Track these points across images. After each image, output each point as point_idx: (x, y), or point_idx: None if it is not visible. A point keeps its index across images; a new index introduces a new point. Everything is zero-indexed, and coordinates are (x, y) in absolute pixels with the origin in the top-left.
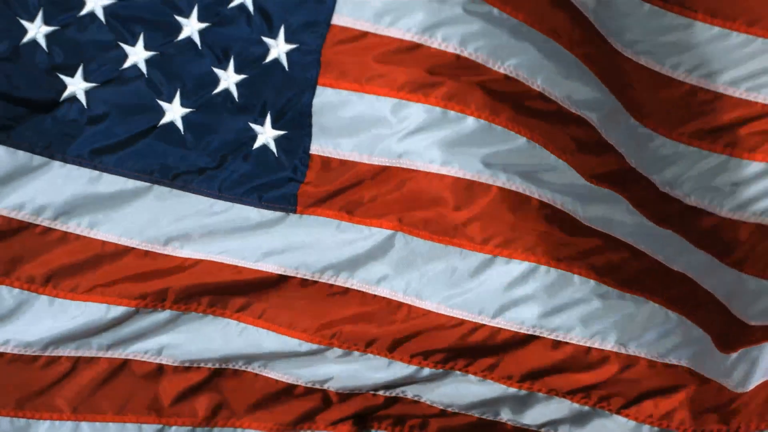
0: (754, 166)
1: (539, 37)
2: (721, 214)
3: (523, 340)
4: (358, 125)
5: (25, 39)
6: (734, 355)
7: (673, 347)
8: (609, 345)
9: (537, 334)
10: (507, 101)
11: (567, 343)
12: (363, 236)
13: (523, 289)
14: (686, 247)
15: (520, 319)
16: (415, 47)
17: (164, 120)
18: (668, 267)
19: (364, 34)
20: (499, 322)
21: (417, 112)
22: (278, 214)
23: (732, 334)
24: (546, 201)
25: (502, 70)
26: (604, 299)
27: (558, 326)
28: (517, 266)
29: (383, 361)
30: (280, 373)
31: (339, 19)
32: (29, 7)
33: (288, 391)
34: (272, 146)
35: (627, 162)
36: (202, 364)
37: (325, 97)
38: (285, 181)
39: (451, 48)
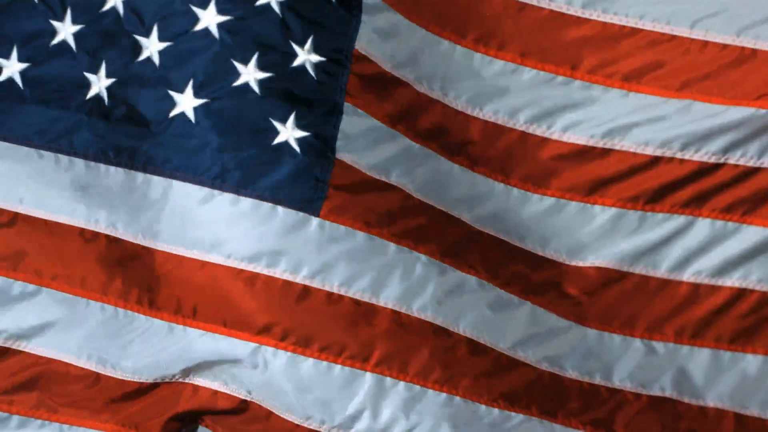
0: None
1: None
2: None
3: None
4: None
5: (56, 39)
6: None
7: None
8: None
9: None
10: None
11: None
12: None
13: None
14: None
15: None
16: None
17: (176, 111)
18: None
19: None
20: None
21: None
22: (299, 215)
23: None
24: None
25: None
26: None
27: None
28: None
29: None
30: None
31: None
32: (57, 7)
33: None
34: (294, 145)
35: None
36: None
37: (352, 114)
38: (306, 182)
39: None
